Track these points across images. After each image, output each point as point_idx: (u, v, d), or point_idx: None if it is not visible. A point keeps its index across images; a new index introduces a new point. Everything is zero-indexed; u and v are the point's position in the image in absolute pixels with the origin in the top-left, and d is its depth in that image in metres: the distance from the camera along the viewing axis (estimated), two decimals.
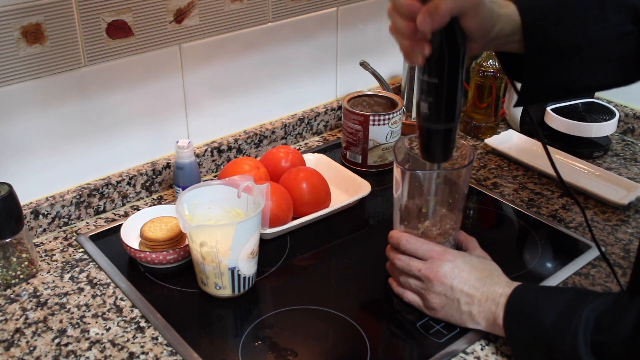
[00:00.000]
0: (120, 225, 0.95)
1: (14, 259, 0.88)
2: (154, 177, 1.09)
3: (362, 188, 1.05)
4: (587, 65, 0.72)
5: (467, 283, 0.77)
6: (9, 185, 0.85)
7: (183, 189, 0.87)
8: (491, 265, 0.81)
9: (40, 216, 0.97)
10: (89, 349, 0.78)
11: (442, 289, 0.77)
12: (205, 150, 1.13)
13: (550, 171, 1.13)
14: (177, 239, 0.92)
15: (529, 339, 0.71)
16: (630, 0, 0.71)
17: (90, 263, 0.93)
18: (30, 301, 0.86)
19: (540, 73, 0.72)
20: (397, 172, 0.82)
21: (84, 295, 0.87)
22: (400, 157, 0.84)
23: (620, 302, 0.66)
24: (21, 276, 0.89)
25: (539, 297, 0.72)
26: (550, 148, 1.21)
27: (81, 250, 0.96)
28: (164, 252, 0.89)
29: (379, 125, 1.12)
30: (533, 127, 0.79)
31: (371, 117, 1.11)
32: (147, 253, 0.89)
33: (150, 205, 1.06)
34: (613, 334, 0.63)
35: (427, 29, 0.64)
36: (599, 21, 0.70)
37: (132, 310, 0.84)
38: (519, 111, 1.28)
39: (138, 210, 1.04)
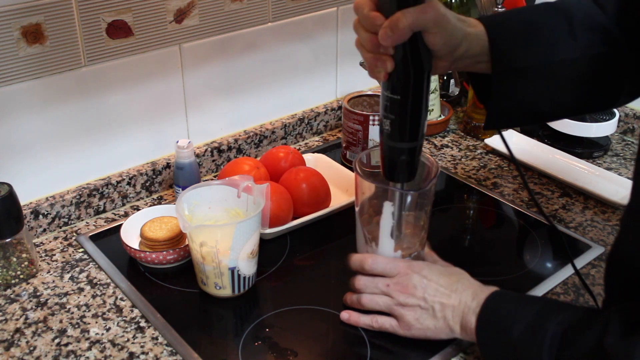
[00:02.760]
0: (120, 225, 0.95)
1: (14, 259, 0.88)
2: (154, 177, 1.09)
3: None
4: (556, 87, 0.71)
5: (438, 291, 0.75)
6: (9, 185, 0.85)
7: (183, 189, 0.87)
8: (458, 272, 0.79)
9: (40, 216, 0.97)
10: (89, 349, 0.78)
11: (414, 300, 0.76)
12: (205, 150, 1.13)
13: (551, 171, 1.14)
14: (177, 239, 0.92)
15: (498, 349, 0.69)
16: (601, 21, 0.70)
17: (90, 263, 0.93)
18: (30, 301, 0.86)
19: (509, 95, 0.71)
20: (361, 186, 0.80)
21: (84, 295, 0.87)
22: (363, 171, 0.81)
23: (586, 318, 0.64)
24: (21, 276, 0.89)
25: (510, 307, 0.70)
26: (550, 148, 1.21)
27: (81, 250, 0.96)
28: (164, 252, 0.89)
29: (379, 124, 1.11)
30: (506, 147, 0.77)
31: (371, 117, 1.11)
32: (147, 253, 0.89)
33: (150, 205, 1.06)
34: (575, 349, 0.62)
35: (388, 43, 0.63)
36: (569, 41, 0.69)
37: (132, 310, 0.84)
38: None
39: (138, 210, 1.04)
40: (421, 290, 0.76)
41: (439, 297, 0.75)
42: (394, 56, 0.66)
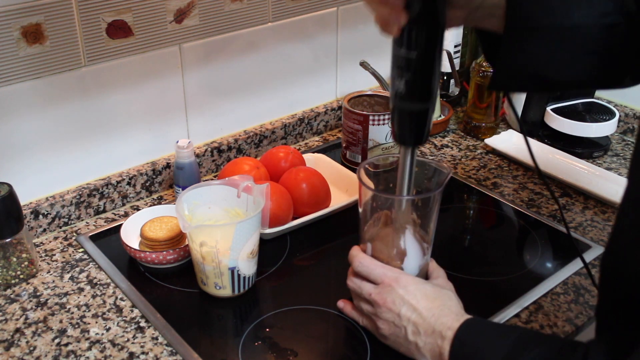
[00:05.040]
0: (120, 225, 0.95)
1: (14, 259, 0.88)
2: (154, 177, 1.09)
3: None
4: (567, 52, 0.68)
5: (415, 311, 0.72)
6: (9, 185, 0.85)
7: (183, 189, 0.87)
8: (446, 296, 0.75)
9: (40, 216, 0.97)
10: (89, 349, 0.78)
11: (390, 315, 0.74)
12: (205, 150, 1.13)
13: (551, 171, 1.14)
14: (177, 239, 0.92)
15: None
16: None
17: (90, 263, 0.93)
18: (30, 301, 0.86)
19: (517, 55, 0.69)
20: (363, 193, 0.78)
21: (84, 295, 0.87)
22: (366, 178, 0.79)
23: (563, 351, 0.62)
24: (21, 276, 0.89)
25: (484, 338, 0.68)
26: (550, 148, 1.21)
27: (81, 250, 0.96)
28: (164, 252, 0.89)
29: (378, 125, 1.12)
30: (516, 116, 0.75)
31: (371, 117, 1.11)
32: (147, 253, 0.89)
33: (150, 205, 1.06)
34: None
35: None
36: (584, 7, 0.67)
37: (132, 310, 0.84)
38: (519, 111, 1.28)
39: (138, 210, 1.04)
40: (398, 307, 0.73)
41: (414, 318, 0.72)
42: (408, 8, 0.63)
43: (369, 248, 0.80)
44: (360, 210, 0.80)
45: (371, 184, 0.79)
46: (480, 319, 0.72)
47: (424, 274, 0.81)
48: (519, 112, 1.28)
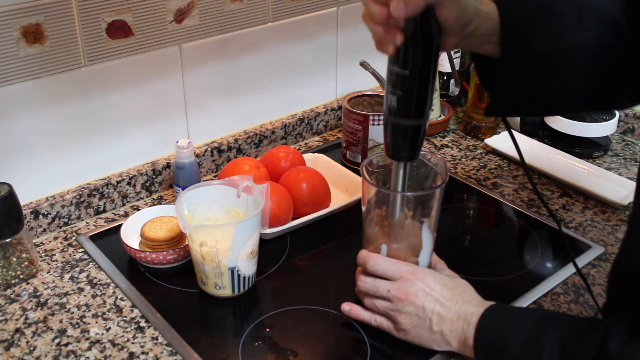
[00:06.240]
0: (120, 225, 0.95)
1: (14, 259, 0.88)
2: (154, 177, 1.09)
3: None
4: (563, 75, 0.69)
5: (438, 302, 0.74)
6: (9, 185, 0.85)
7: (183, 189, 0.87)
8: (462, 283, 0.78)
9: (40, 216, 0.97)
10: (89, 349, 0.78)
11: (413, 309, 0.75)
12: (205, 150, 1.13)
13: (551, 171, 1.14)
14: (177, 239, 0.92)
15: None
16: (611, 12, 0.69)
17: (90, 263, 0.93)
18: (30, 301, 0.86)
19: (514, 79, 0.70)
20: (366, 189, 0.79)
21: (84, 295, 0.87)
22: (370, 174, 0.81)
23: (584, 328, 0.64)
24: (21, 276, 0.89)
25: (507, 322, 0.70)
26: (550, 148, 1.21)
27: (81, 250, 0.96)
28: (164, 252, 0.89)
29: (378, 125, 1.12)
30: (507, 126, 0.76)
31: (371, 117, 1.11)
32: (147, 253, 0.89)
33: (150, 205, 1.06)
34: None
35: (400, 15, 0.61)
36: (578, 29, 0.68)
37: (132, 310, 0.84)
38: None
39: (138, 210, 1.04)
40: (421, 299, 0.75)
41: (438, 308, 0.74)
42: (404, 29, 0.64)
43: (384, 249, 0.80)
44: (363, 208, 0.81)
45: (374, 182, 0.80)
46: (503, 305, 0.74)
47: (430, 267, 0.83)
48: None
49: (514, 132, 1.24)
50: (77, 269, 0.92)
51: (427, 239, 0.81)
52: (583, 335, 0.63)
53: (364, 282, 0.79)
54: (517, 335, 0.67)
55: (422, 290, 0.75)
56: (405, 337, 0.77)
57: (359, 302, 0.82)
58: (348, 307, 0.81)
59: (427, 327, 0.74)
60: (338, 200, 1.04)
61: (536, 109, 0.76)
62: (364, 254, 0.80)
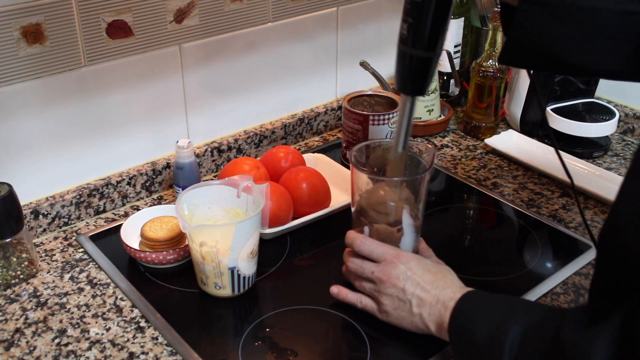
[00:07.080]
0: (120, 225, 0.95)
1: (14, 259, 0.88)
2: (154, 177, 1.09)
3: None
4: (580, 34, 0.67)
5: (418, 285, 0.75)
6: (9, 185, 0.85)
7: (183, 189, 0.87)
8: (445, 269, 0.79)
9: (40, 216, 0.97)
10: (89, 349, 0.78)
11: (394, 291, 0.76)
12: (205, 150, 1.13)
13: (550, 171, 1.14)
14: (177, 239, 0.92)
15: (466, 351, 0.70)
16: None
17: (90, 263, 0.93)
18: (30, 301, 0.86)
19: (529, 29, 0.67)
20: (355, 176, 0.81)
21: (84, 295, 0.87)
22: (359, 160, 0.82)
23: (545, 317, 0.64)
24: (21, 276, 0.89)
25: (479, 308, 0.70)
26: (550, 148, 1.21)
27: (81, 250, 0.96)
28: (164, 252, 0.89)
29: (378, 124, 1.12)
30: (545, 129, 0.75)
31: (371, 117, 1.11)
32: (147, 253, 0.89)
33: (150, 205, 1.06)
34: (533, 348, 0.62)
35: None
36: None
37: (132, 310, 0.84)
38: (519, 111, 1.28)
39: (138, 210, 1.04)
40: (402, 282, 0.76)
41: (418, 292, 0.75)
42: None
43: (366, 230, 0.82)
44: (353, 197, 0.83)
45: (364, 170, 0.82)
46: (481, 292, 0.74)
47: (416, 252, 0.84)
48: (520, 114, 1.28)
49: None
50: (77, 269, 0.92)
51: (407, 223, 0.82)
52: (544, 323, 0.63)
53: (352, 263, 0.81)
54: (486, 321, 0.68)
55: (404, 273, 0.76)
56: (388, 319, 0.78)
57: (347, 285, 0.83)
58: (336, 290, 0.83)
59: (408, 310, 0.76)
60: (338, 200, 1.04)
61: (549, 63, 0.72)
62: (351, 234, 0.82)
